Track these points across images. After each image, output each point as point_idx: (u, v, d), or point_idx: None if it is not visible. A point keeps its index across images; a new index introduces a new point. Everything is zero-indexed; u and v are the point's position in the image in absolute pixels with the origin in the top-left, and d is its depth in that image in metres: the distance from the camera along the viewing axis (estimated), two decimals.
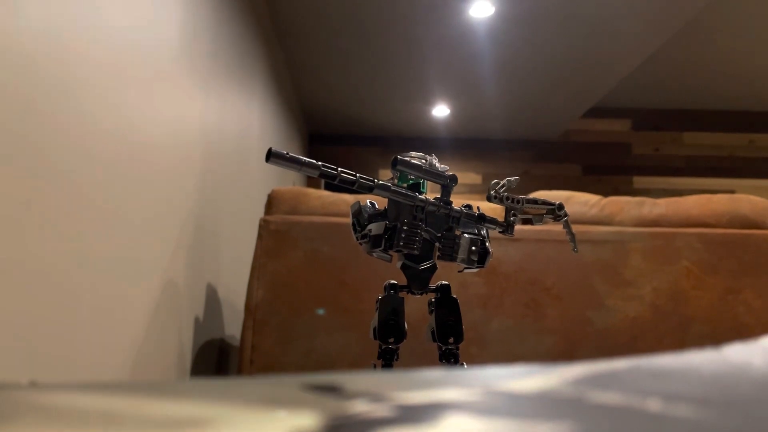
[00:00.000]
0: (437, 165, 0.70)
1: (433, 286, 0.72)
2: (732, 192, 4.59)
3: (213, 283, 1.76)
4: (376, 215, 0.70)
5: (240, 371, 1.34)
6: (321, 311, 1.31)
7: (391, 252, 0.68)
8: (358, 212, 0.70)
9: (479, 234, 0.71)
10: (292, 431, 0.14)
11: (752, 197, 1.50)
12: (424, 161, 0.69)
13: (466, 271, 0.71)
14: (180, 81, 1.42)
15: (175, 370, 1.41)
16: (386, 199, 0.68)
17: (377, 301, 0.71)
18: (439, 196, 0.70)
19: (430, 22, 2.91)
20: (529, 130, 4.63)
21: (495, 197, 0.71)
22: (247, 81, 2.32)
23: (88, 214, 0.96)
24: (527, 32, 3.00)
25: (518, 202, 0.72)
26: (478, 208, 0.73)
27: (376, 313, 0.71)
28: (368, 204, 0.70)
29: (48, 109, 0.85)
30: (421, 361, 1.02)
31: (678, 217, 1.44)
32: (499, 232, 0.72)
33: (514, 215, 0.72)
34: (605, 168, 4.85)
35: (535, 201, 0.74)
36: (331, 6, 2.79)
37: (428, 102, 4.07)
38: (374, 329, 0.71)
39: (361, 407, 0.16)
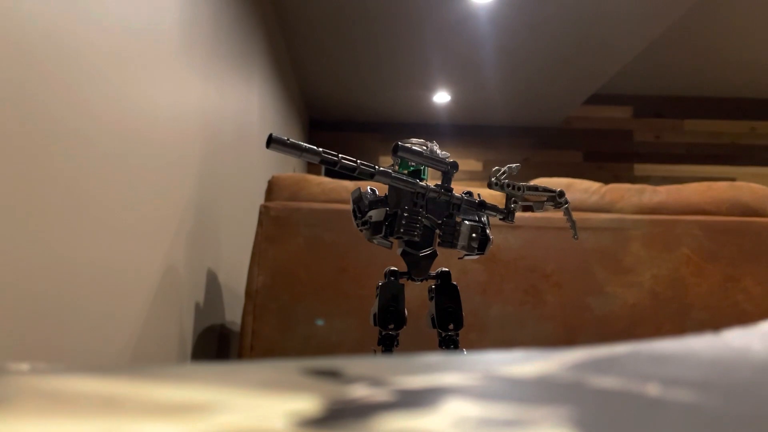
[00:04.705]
0: (438, 152, 0.69)
1: (433, 272, 0.72)
2: (733, 179, 4.58)
3: (213, 269, 1.77)
4: (377, 202, 0.69)
5: (240, 357, 1.35)
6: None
7: (391, 238, 0.68)
8: (358, 199, 0.70)
9: (480, 221, 0.71)
10: (293, 415, 0.14)
11: (753, 185, 1.50)
12: (424, 148, 0.69)
13: (467, 257, 0.71)
14: (179, 66, 1.41)
15: (176, 355, 1.42)
16: (387, 186, 0.68)
17: (377, 288, 0.72)
18: (439, 182, 0.70)
19: (431, 7, 2.89)
20: (530, 116, 4.61)
21: (496, 184, 0.71)
22: (248, 66, 2.31)
23: (87, 201, 0.96)
24: (528, 18, 2.98)
25: (519, 189, 0.72)
26: (478, 195, 0.73)
27: (377, 300, 0.71)
28: (369, 191, 0.70)
29: (47, 97, 0.84)
30: (421, 348, 1.02)
31: (678, 205, 1.44)
32: (500, 219, 0.72)
33: (515, 202, 0.72)
34: (606, 155, 4.83)
35: (535, 188, 0.73)
36: None
37: (429, 88, 4.05)
38: (374, 315, 0.71)
39: (361, 391, 0.16)
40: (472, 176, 4.71)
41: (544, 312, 1.37)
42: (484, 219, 0.72)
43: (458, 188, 0.74)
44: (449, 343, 0.70)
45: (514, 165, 0.72)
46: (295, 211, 1.37)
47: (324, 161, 0.60)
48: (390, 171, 0.66)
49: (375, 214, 0.68)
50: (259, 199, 2.40)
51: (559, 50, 3.36)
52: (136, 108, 1.15)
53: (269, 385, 0.17)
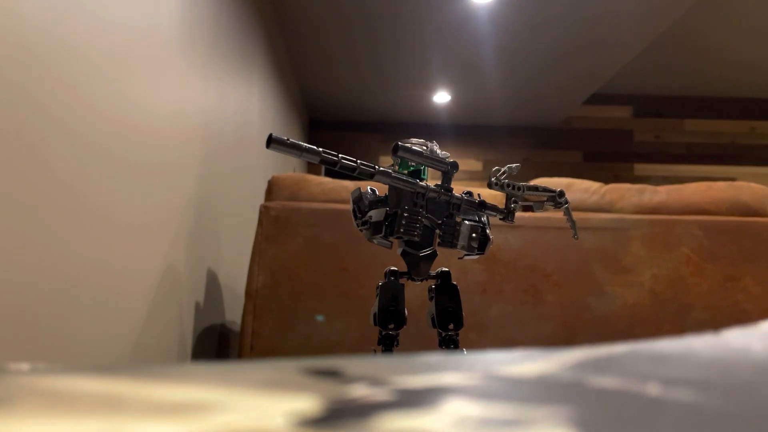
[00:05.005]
0: (438, 151, 0.69)
1: (433, 272, 0.72)
2: (733, 179, 4.58)
3: (213, 269, 1.77)
4: (377, 202, 0.69)
5: (240, 357, 1.35)
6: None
7: (391, 238, 0.68)
8: (358, 199, 0.70)
9: (480, 221, 0.71)
10: (293, 415, 0.14)
11: (753, 185, 1.50)
12: (425, 148, 0.69)
13: (467, 257, 0.71)
14: (180, 66, 1.41)
15: (176, 355, 1.42)
16: (387, 186, 0.68)
17: (377, 288, 0.71)
18: (439, 182, 0.70)
19: (431, 7, 2.89)
20: (530, 116, 4.61)
21: (496, 184, 0.71)
22: (248, 67, 2.31)
23: (87, 200, 0.96)
24: (528, 18, 2.98)
25: (519, 189, 0.72)
26: (478, 195, 0.73)
27: (377, 300, 0.71)
28: (369, 190, 0.70)
29: (47, 96, 0.84)
30: (421, 347, 1.02)
31: (678, 205, 1.44)
32: (500, 219, 0.72)
33: (515, 202, 0.72)
34: (606, 155, 4.84)
35: (535, 188, 0.73)
36: None
37: (429, 88, 4.05)
38: (374, 315, 0.71)
39: (361, 391, 0.16)
40: (472, 176, 4.71)
41: (544, 312, 1.37)
42: (484, 219, 0.72)
43: (458, 188, 0.74)
44: (449, 343, 0.70)
45: (514, 165, 0.72)
46: (295, 211, 1.37)
47: (324, 161, 0.60)
48: (390, 171, 0.66)
49: (375, 214, 0.68)
50: (259, 199, 2.40)
51: (559, 50, 3.36)
52: (137, 107, 1.15)
53: (269, 385, 0.17)
